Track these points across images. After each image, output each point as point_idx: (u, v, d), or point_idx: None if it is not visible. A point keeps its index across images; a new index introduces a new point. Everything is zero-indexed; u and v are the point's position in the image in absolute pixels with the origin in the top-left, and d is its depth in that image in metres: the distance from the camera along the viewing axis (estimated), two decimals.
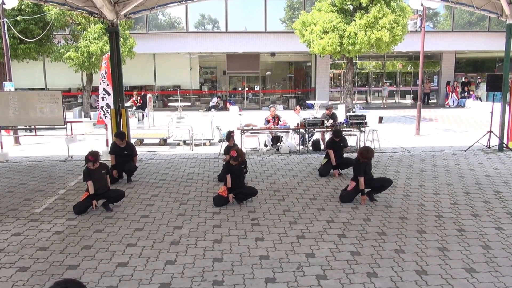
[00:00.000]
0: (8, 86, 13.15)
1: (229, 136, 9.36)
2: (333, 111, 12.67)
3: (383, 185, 7.40)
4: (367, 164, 7.19)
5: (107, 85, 11.13)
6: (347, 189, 7.33)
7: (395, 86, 27.92)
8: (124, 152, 8.73)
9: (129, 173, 8.79)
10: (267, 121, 12.22)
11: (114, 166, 8.63)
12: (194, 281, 4.61)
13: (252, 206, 7.12)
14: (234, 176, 7.18)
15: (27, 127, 13.70)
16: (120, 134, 8.84)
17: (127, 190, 8.02)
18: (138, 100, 18.05)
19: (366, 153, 7.12)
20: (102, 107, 11.32)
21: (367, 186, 7.18)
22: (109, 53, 10.92)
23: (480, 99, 25.47)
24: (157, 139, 13.52)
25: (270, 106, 23.22)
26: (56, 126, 11.60)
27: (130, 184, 8.59)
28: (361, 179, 7.04)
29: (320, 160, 9.82)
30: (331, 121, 12.40)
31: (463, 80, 27.29)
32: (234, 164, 7.18)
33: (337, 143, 9.18)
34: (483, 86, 25.92)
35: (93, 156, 6.82)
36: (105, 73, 11.07)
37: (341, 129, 10.97)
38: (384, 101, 26.44)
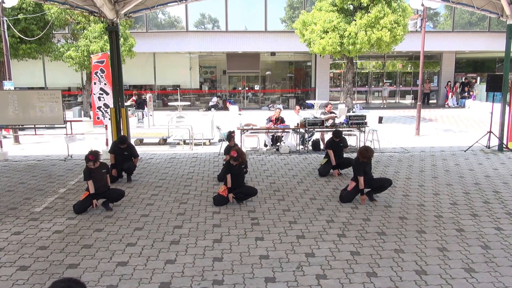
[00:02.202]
0: (7, 85, 13.15)
1: (230, 136, 9.38)
2: (332, 109, 12.75)
3: (383, 185, 7.41)
4: (367, 164, 7.20)
5: (105, 84, 11.12)
6: (347, 189, 7.33)
7: (395, 86, 27.94)
8: (124, 152, 8.74)
9: (128, 171, 8.79)
10: (270, 120, 12.22)
11: (114, 165, 8.64)
12: (194, 281, 4.62)
13: (252, 205, 7.13)
14: (234, 176, 7.18)
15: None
16: (123, 140, 8.82)
17: (127, 189, 8.03)
18: (137, 99, 18.04)
19: (366, 152, 7.13)
20: (99, 107, 11.31)
21: (367, 186, 7.19)
22: (104, 52, 10.90)
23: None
24: (157, 139, 13.53)
25: (272, 107, 23.40)
26: (56, 125, 11.59)
27: (130, 184, 8.59)
28: (361, 179, 7.04)
29: (320, 160, 9.83)
30: (331, 121, 12.43)
31: (463, 80, 27.31)
32: (235, 164, 7.19)
33: (337, 143, 9.19)
34: (478, 86, 25.99)
35: (93, 155, 6.82)
36: (102, 72, 11.05)
37: (341, 129, 11.01)
38: (385, 101, 26.44)
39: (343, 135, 9.60)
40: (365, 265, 4.96)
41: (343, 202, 7.21)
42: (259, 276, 4.70)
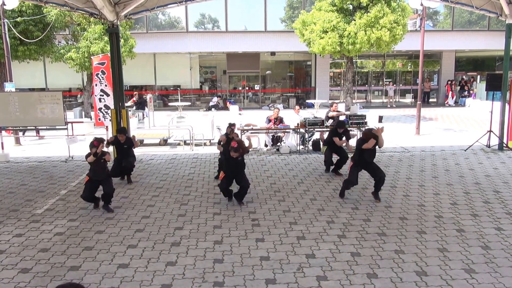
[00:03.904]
0: (8, 86, 13.16)
1: (230, 129, 8.75)
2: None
3: (380, 177, 7.31)
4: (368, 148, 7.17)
5: (106, 85, 11.13)
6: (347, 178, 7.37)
7: (394, 85, 27.94)
8: (124, 146, 8.75)
9: (127, 170, 8.83)
10: (269, 120, 12.24)
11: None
12: (195, 282, 4.63)
13: (253, 206, 7.15)
14: (233, 165, 7.11)
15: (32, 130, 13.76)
16: (121, 130, 8.83)
17: (128, 191, 8.05)
18: (138, 99, 18.08)
19: (369, 132, 7.17)
20: (100, 109, 11.33)
21: (363, 167, 7.28)
22: (104, 54, 10.90)
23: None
24: (157, 139, 13.54)
25: (272, 106, 23.39)
26: (57, 127, 11.61)
27: (131, 185, 8.61)
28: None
29: (320, 160, 9.83)
30: (331, 121, 12.44)
31: (460, 79, 27.31)
32: (235, 157, 7.02)
33: (340, 134, 9.17)
34: (478, 84, 26.01)
35: (98, 141, 6.92)
36: (103, 73, 11.07)
37: None
38: (390, 100, 26.31)
39: (346, 127, 9.59)
40: (365, 266, 4.97)
41: (347, 187, 7.26)
42: (260, 278, 4.72)
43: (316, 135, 12.70)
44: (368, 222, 6.38)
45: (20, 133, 14.27)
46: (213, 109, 24.15)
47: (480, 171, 9.45)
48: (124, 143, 8.79)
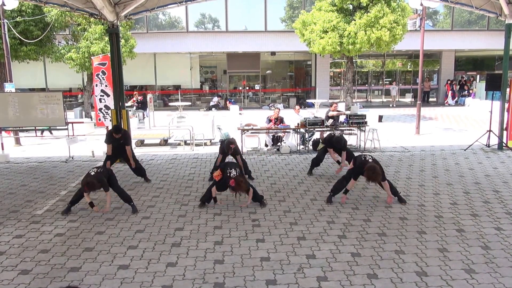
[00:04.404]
0: (8, 87, 13.17)
1: (228, 147, 8.61)
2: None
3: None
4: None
5: (106, 86, 11.14)
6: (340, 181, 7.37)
7: (394, 83, 27.97)
8: (120, 141, 8.71)
9: (141, 173, 8.92)
10: (269, 120, 12.25)
11: (109, 156, 8.76)
12: (196, 283, 4.64)
13: (253, 207, 7.14)
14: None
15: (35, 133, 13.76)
16: (117, 129, 8.74)
17: (128, 191, 8.02)
18: (139, 100, 18.09)
19: (372, 173, 6.73)
20: (100, 109, 11.34)
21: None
22: (104, 54, 10.89)
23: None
24: (157, 140, 13.54)
25: (273, 106, 23.41)
26: (57, 127, 11.61)
27: (131, 186, 8.60)
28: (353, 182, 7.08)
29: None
30: (331, 120, 12.45)
31: (459, 79, 27.35)
32: (232, 194, 6.99)
33: (335, 146, 9.10)
34: (478, 84, 26.04)
35: (89, 186, 6.55)
36: (103, 74, 11.08)
37: (341, 128, 11.02)
38: (392, 100, 26.33)
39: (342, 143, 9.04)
40: (365, 266, 4.98)
41: (343, 185, 7.20)
42: (260, 279, 4.72)
43: (316, 135, 12.71)
44: (368, 222, 6.38)
45: (38, 133, 14.28)
46: (213, 109, 24.17)
47: (480, 170, 9.46)
48: (120, 139, 8.74)
